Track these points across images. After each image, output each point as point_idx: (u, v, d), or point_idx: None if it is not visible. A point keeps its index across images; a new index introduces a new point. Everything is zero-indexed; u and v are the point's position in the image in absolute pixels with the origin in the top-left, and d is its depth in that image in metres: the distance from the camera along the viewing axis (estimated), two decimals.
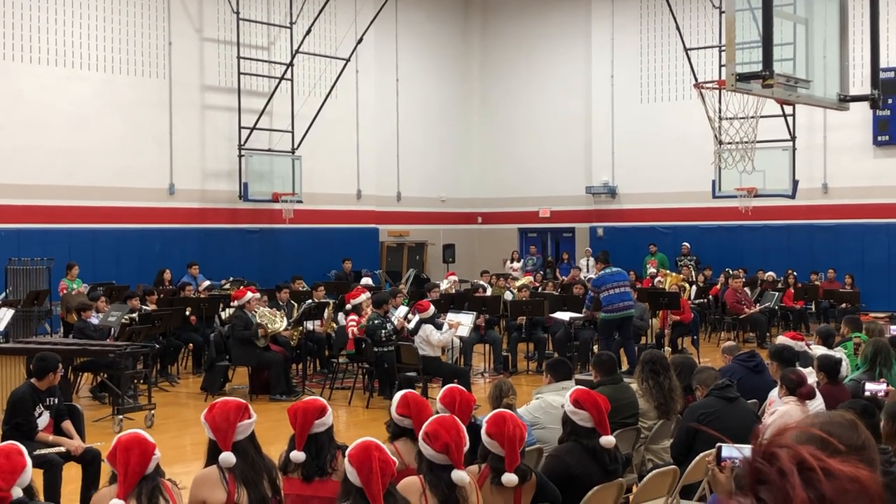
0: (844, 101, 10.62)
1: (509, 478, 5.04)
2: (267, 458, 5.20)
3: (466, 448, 4.93)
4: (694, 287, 21.55)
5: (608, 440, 5.68)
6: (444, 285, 19.02)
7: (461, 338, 14.72)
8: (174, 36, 22.26)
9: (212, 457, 5.07)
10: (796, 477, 1.52)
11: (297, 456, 5.21)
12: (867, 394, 7.36)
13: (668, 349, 17.21)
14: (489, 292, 19.20)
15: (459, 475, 4.77)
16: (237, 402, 5.15)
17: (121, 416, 11.68)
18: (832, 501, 1.51)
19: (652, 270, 22.86)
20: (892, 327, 12.07)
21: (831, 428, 1.85)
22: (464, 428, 5.00)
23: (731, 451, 4.40)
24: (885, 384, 7.45)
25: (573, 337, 16.14)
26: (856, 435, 2.06)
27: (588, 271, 24.33)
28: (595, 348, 15.89)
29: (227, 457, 4.95)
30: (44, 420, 8.21)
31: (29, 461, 4.64)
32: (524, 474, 5.15)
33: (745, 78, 8.99)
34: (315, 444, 5.26)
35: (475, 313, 15.72)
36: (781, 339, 9.63)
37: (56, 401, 8.40)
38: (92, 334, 13.30)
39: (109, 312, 14.47)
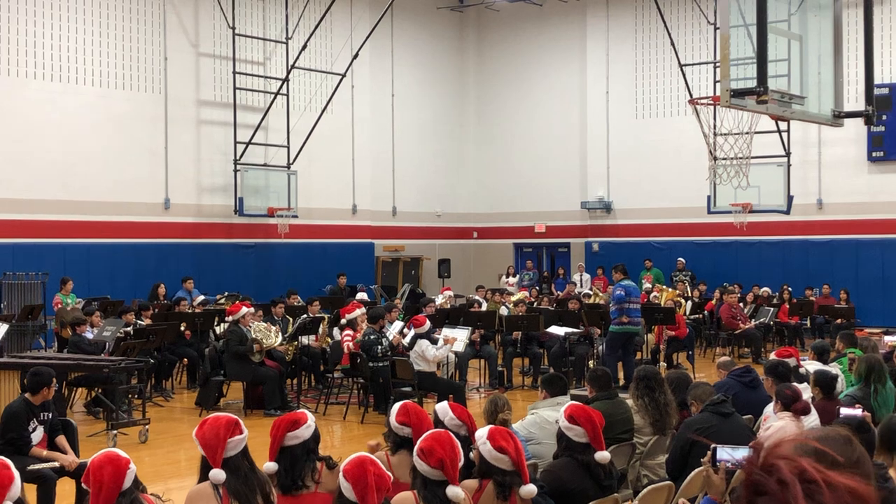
0: (839, 117, 10.66)
1: (530, 489, 5.04)
2: (260, 473, 5.19)
3: (461, 464, 4.92)
4: (689, 302, 21.55)
5: (603, 455, 5.67)
6: (439, 300, 19.02)
7: (456, 353, 14.70)
8: (170, 51, 22.30)
9: (205, 472, 5.05)
10: (798, 488, 1.51)
11: (269, 467, 5.24)
12: (842, 417, 7.25)
13: (663, 364, 17.21)
14: (484, 307, 19.17)
15: (454, 491, 4.75)
16: (228, 418, 5.13)
17: (115, 431, 11.64)
18: None
19: (647, 286, 22.87)
20: (886, 338, 12.07)
21: (827, 443, 1.84)
22: (458, 443, 4.99)
23: (725, 452, 4.44)
24: (860, 409, 7.37)
25: (569, 352, 16.12)
26: (851, 450, 2.05)
27: (582, 286, 24.34)
28: (591, 363, 15.88)
29: (217, 473, 4.94)
30: (38, 435, 8.18)
31: (17, 474, 4.59)
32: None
33: (739, 94, 9.01)
34: (289, 456, 5.27)
35: (470, 328, 15.69)
36: (772, 357, 9.61)
37: (50, 416, 8.38)
38: (86, 349, 13.27)
39: (104, 327, 14.43)
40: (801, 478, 1.52)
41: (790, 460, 1.55)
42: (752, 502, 1.54)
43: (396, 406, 5.85)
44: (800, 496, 1.50)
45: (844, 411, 7.25)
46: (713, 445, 4.57)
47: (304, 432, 5.32)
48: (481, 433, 5.22)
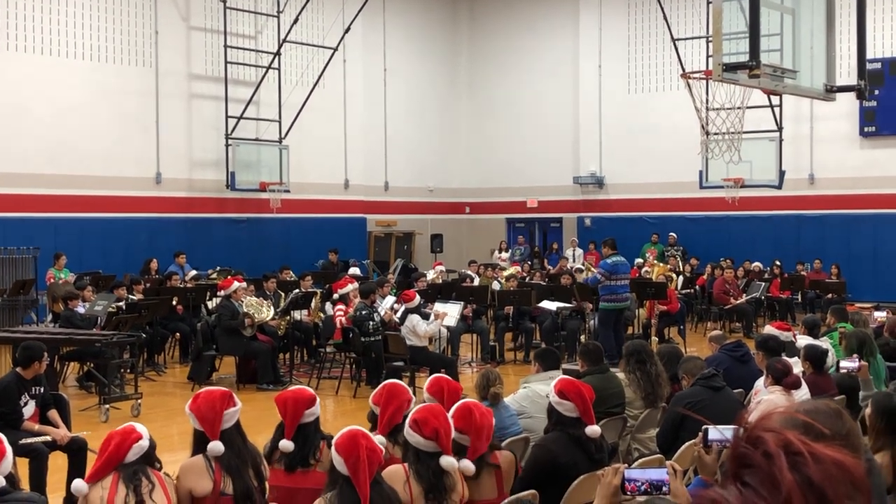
0: (831, 91, 10.65)
1: (466, 464, 5.01)
2: (252, 446, 5.20)
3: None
4: (681, 277, 21.59)
5: (594, 430, 5.68)
6: (431, 275, 19.02)
7: (448, 328, 14.72)
8: (161, 24, 22.15)
9: (198, 446, 5.06)
10: (783, 459, 1.51)
11: (286, 445, 5.21)
12: (842, 370, 7.93)
13: (654, 339, 17.25)
14: (477, 282, 19.19)
15: (448, 460, 4.76)
16: (222, 391, 5.14)
17: (107, 406, 11.66)
18: (819, 485, 1.50)
19: (649, 258, 22.86)
20: (877, 313, 12.16)
21: (816, 415, 1.85)
22: (449, 416, 5.00)
23: (717, 433, 4.43)
24: (857, 360, 7.65)
25: (560, 327, 16.16)
26: (840, 423, 2.06)
27: (574, 261, 24.37)
28: (582, 338, 15.92)
29: (216, 446, 4.95)
30: (29, 409, 8.18)
31: (8, 448, 4.61)
32: (482, 465, 5.11)
33: (731, 68, 9.00)
34: (303, 434, 5.26)
35: (462, 303, 15.72)
36: (768, 329, 9.68)
37: (42, 390, 8.38)
38: (78, 323, 13.26)
39: (96, 302, 14.42)
40: (786, 450, 1.52)
41: (776, 433, 1.56)
42: (738, 475, 1.54)
43: (381, 385, 5.86)
44: (785, 468, 1.50)
45: (844, 364, 7.68)
46: (704, 426, 4.56)
47: (317, 409, 5.34)
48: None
